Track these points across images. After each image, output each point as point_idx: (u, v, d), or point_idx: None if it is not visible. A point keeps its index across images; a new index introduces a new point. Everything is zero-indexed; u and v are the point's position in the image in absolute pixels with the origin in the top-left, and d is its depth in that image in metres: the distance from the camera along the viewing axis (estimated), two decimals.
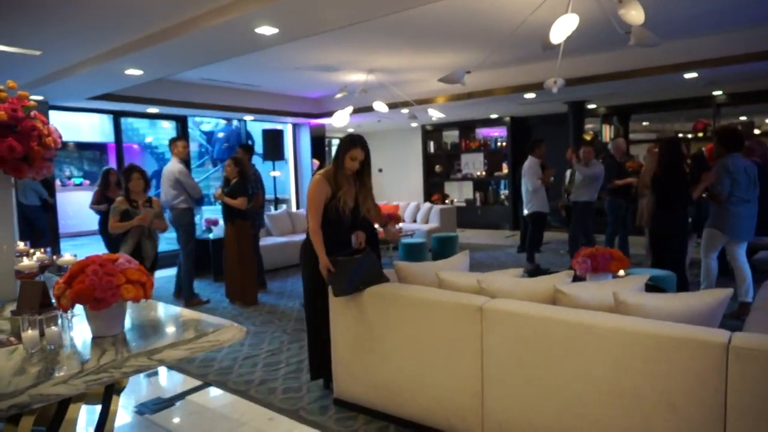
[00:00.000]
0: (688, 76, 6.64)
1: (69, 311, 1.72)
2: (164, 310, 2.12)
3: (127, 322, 1.85)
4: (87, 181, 12.47)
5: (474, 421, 2.51)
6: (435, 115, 7.87)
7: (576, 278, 3.90)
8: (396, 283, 3.02)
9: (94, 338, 1.73)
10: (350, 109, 7.62)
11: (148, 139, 13.09)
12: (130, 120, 11.44)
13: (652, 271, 4.37)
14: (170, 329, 1.92)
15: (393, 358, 2.80)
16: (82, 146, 12.91)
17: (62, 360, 1.56)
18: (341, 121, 7.34)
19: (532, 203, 6.85)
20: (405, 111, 8.53)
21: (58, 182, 10.19)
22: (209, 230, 7.35)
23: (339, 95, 7.51)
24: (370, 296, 2.88)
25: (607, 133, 9.90)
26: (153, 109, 8.13)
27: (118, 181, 5.21)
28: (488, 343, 2.43)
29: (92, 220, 7.09)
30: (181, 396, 3.51)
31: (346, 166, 3.15)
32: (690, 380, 1.93)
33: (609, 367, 2.10)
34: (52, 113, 7.19)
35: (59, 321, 1.67)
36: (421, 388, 2.70)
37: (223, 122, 12.44)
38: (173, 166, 5.81)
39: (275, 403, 3.27)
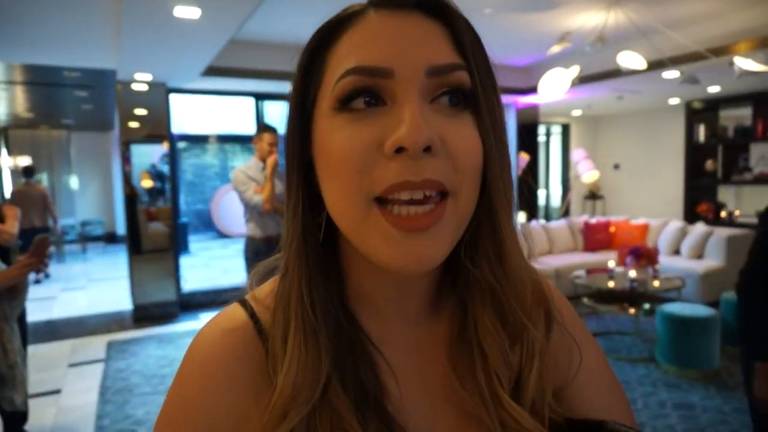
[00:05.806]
0: None
1: None
2: None
3: None
4: None
5: None
6: (752, 68, 4.18)
7: None
8: None
9: None
10: (575, 69, 4.52)
11: None
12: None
13: None
14: None
15: None
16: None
17: None
18: (554, 88, 4.27)
19: None
20: (672, 75, 5.12)
21: None
22: None
23: (556, 47, 4.50)
24: None
25: None
26: None
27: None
28: None
29: None
30: None
31: None
32: None
33: None
34: (175, 97, 5.71)
35: None
36: None
37: None
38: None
39: None
